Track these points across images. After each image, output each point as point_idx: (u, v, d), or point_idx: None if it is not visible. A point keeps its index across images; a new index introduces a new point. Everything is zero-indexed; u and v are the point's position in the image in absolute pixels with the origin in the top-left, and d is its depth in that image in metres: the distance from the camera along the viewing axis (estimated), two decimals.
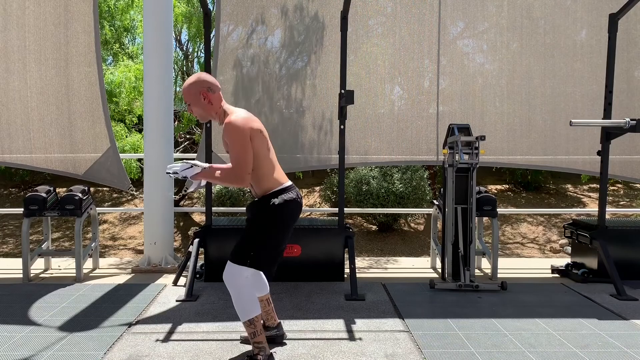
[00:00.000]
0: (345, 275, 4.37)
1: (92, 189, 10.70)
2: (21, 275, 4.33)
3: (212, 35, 4.55)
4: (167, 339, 3.09)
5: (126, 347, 2.96)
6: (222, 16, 4.71)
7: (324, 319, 3.42)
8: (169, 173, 2.68)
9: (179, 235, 9.53)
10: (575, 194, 11.26)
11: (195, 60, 10.86)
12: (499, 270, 4.62)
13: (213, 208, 4.59)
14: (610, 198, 10.94)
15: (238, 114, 2.62)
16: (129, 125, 9.48)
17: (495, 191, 11.25)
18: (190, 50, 10.77)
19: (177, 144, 9.76)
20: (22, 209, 4.37)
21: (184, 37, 10.74)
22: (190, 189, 2.79)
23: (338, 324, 3.34)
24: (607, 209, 4.68)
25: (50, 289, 4.03)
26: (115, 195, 11.36)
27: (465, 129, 4.27)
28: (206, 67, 4.39)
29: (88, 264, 4.80)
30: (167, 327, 3.28)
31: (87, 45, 4.67)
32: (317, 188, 11.14)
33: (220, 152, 4.78)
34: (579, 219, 4.79)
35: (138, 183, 8.21)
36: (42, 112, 4.72)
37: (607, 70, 4.33)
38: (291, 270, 4.29)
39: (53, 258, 4.94)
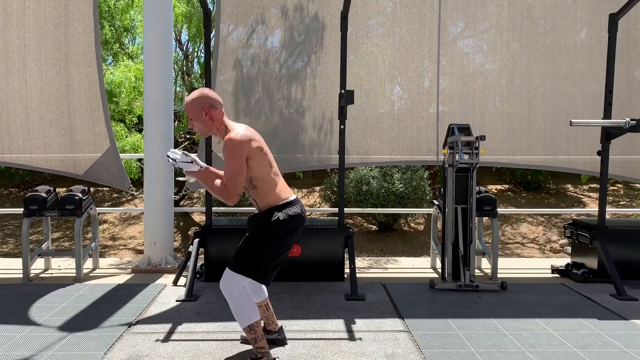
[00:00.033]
0: (345, 275, 4.37)
1: (92, 189, 10.70)
2: (21, 275, 4.33)
3: (212, 35, 4.55)
4: (167, 339, 3.09)
5: (126, 347, 2.96)
6: (222, 16, 4.71)
7: (324, 319, 3.42)
8: (169, 157, 2.67)
9: (179, 235, 9.53)
10: (575, 194, 11.26)
11: (195, 60, 10.87)
12: (499, 270, 4.62)
13: (213, 208, 4.59)
14: (611, 198, 10.94)
15: (238, 132, 2.58)
16: (129, 125, 9.49)
17: (495, 191, 11.25)
18: (190, 50, 10.78)
19: (177, 144, 9.75)
20: (22, 209, 4.37)
21: (184, 37, 10.75)
22: (191, 182, 2.77)
23: (338, 324, 3.34)
24: (607, 209, 4.68)
25: (50, 289, 4.03)
26: (115, 195, 11.36)
27: (465, 129, 4.27)
28: (206, 67, 4.39)
29: (88, 264, 4.80)
30: (167, 327, 3.28)
31: (87, 45, 4.67)
32: (317, 188, 11.14)
33: (220, 152, 4.78)
34: (579, 219, 4.79)
35: (138, 183, 8.20)
36: (42, 112, 4.72)
37: (607, 70, 4.33)
38: (291, 270, 4.29)
39: (53, 258, 4.94)
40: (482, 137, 4.04)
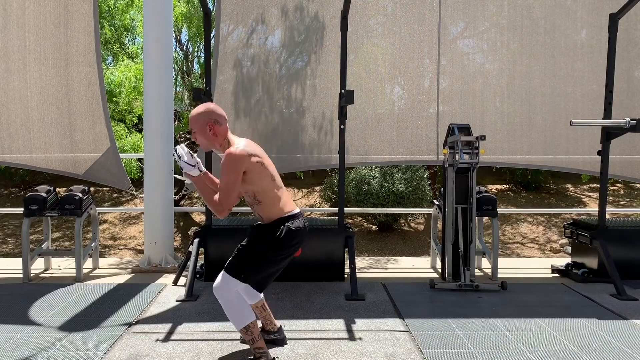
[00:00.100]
0: (346, 275, 4.37)
1: (92, 189, 10.70)
2: (21, 275, 4.32)
3: (212, 35, 4.55)
4: (167, 338, 3.09)
5: (126, 347, 2.96)
6: (222, 16, 4.71)
7: (324, 319, 3.42)
8: (176, 150, 2.68)
9: (179, 235, 9.53)
10: (575, 194, 11.26)
11: (195, 60, 10.87)
12: (499, 270, 4.62)
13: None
14: (611, 198, 10.94)
15: (238, 147, 2.59)
16: (129, 125, 9.48)
17: (496, 191, 11.25)
18: (190, 50, 10.78)
19: (177, 144, 9.74)
20: (22, 209, 4.37)
21: (184, 37, 10.74)
22: (188, 183, 2.78)
23: (338, 324, 3.33)
24: (607, 209, 4.68)
25: (50, 289, 4.03)
26: (115, 195, 11.37)
27: (465, 129, 4.27)
28: (206, 67, 4.40)
29: (88, 263, 4.80)
30: (167, 327, 3.28)
31: (87, 45, 4.67)
32: (317, 188, 11.14)
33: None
34: (579, 219, 4.79)
35: (138, 183, 8.20)
36: (42, 112, 4.72)
37: (608, 70, 4.33)
38: (291, 270, 4.29)
39: (53, 258, 4.94)
40: (482, 137, 4.04)
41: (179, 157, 2.66)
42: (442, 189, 4.46)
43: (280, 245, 2.68)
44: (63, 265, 4.86)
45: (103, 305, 3.66)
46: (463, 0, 4.85)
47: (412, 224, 9.59)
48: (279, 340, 3.03)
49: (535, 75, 4.93)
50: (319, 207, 10.40)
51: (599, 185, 5.16)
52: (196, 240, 4.21)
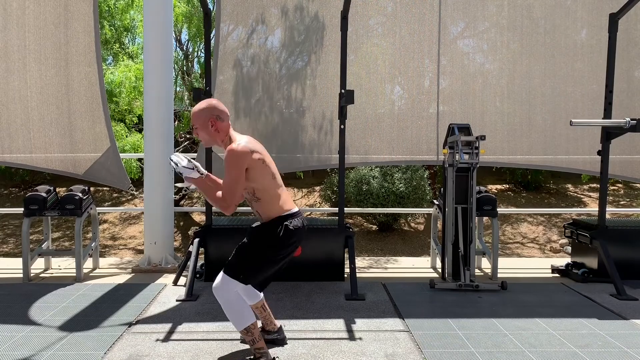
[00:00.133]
0: (346, 275, 4.37)
1: (92, 189, 10.71)
2: (21, 275, 4.33)
3: (212, 35, 4.55)
4: (167, 338, 3.09)
5: (126, 347, 2.96)
6: (222, 16, 4.71)
7: (324, 319, 3.42)
8: (172, 160, 2.67)
9: (179, 235, 9.53)
10: (575, 194, 11.26)
11: (195, 60, 10.87)
12: (499, 270, 4.62)
13: (213, 208, 4.59)
14: (611, 198, 10.94)
15: (240, 143, 2.58)
16: (129, 125, 9.48)
17: (496, 191, 11.25)
18: (190, 50, 10.77)
19: (177, 144, 9.76)
20: (22, 209, 4.37)
21: (184, 37, 10.74)
22: (188, 187, 2.78)
23: (338, 324, 3.33)
24: (607, 209, 4.68)
25: (50, 289, 4.03)
26: (115, 195, 11.37)
27: (465, 129, 4.27)
28: (206, 67, 4.40)
29: (88, 263, 4.80)
30: (167, 326, 3.28)
31: (87, 45, 4.67)
32: (317, 188, 11.14)
33: (220, 152, 4.78)
34: (579, 219, 4.78)
35: (138, 183, 8.20)
36: (42, 112, 4.72)
37: (608, 70, 4.33)
38: (291, 270, 4.29)
39: (53, 258, 4.93)
40: (482, 137, 4.04)
41: (177, 164, 2.66)
42: (442, 189, 4.46)
43: (279, 245, 2.68)
44: (63, 265, 4.86)
45: (103, 305, 3.66)
46: (463, 0, 4.85)
47: (412, 224, 9.59)
48: (279, 340, 3.03)
49: (535, 75, 4.93)
50: (319, 207, 10.40)
51: (599, 185, 5.16)
52: (196, 240, 4.21)
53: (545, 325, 3.34)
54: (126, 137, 8.78)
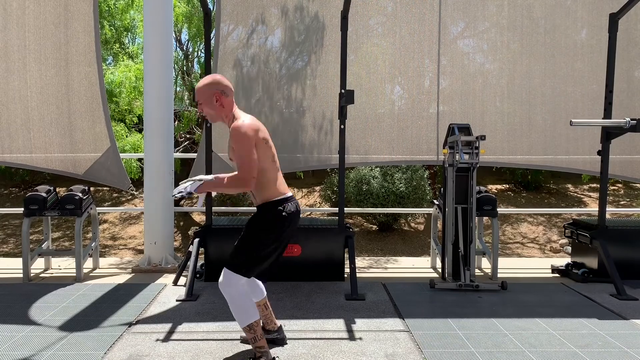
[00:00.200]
0: (346, 275, 4.37)
1: (92, 189, 10.70)
2: (21, 275, 4.33)
3: (212, 35, 4.55)
4: (167, 338, 3.09)
5: (126, 347, 2.96)
6: (222, 16, 4.71)
7: (324, 319, 3.42)
8: (179, 194, 2.69)
9: (179, 235, 9.53)
10: (575, 194, 11.25)
11: (196, 60, 10.86)
12: (499, 270, 4.62)
13: (213, 208, 4.60)
14: (611, 198, 10.94)
15: (244, 120, 2.61)
16: (129, 125, 9.48)
17: (496, 191, 11.25)
18: (190, 50, 10.77)
19: (177, 144, 9.76)
20: (23, 209, 4.37)
21: (184, 37, 10.74)
22: (201, 200, 2.79)
23: (338, 324, 3.33)
24: (607, 209, 4.68)
25: (50, 289, 4.03)
26: (115, 195, 11.37)
27: (465, 129, 4.27)
28: (206, 67, 4.39)
29: (88, 263, 4.80)
30: (167, 326, 3.28)
31: (87, 44, 4.67)
32: (317, 188, 11.14)
33: (220, 152, 4.78)
34: (579, 219, 4.78)
35: (138, 183, 8.21)
36: (42, 112, 4.72)
37: (608, 70, 4.33)
38: (291, 270, 4.29)
39: (53, 258, 4.94)
40: (482, 137, 4.04)
41: (185, 189, 2.67)
42: (442, 189, 4.46)
43: (273, 229, 2.68)
44: (63, 265, 4.86)
45: (103, 305, 3.66)
46: (463, 0, 4.85)
47: (412, 224, 9.59)
48: (278, 340, 3.03)
49: (535, 75, 4.93)
50: (319, 207, 10.40)
51: (599, 185, 5.16)
52: (196, 240, 4.21)
53: (545, 325, 3.34)
54: (126, 137, 8.78)
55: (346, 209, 5.15)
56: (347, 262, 4.29)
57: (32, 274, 4.50)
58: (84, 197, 4.51)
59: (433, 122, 4.93)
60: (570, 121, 4.08)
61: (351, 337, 3.13)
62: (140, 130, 9.37)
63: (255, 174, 2.59)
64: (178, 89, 10.26)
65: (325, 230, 4.31)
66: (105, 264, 4.94)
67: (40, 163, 4.78)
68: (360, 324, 3.35)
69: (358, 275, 4.44)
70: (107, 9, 9.46)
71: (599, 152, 4.41)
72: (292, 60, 4.85)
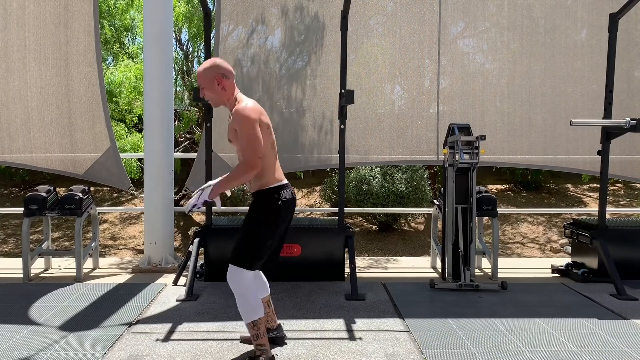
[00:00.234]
0: (346, 275, 4.37)
1: (92, 189, 10.70)
2: (21, 275, 4.33)
3: (212, 35, 4.54)
4: (167, 338, 3.09)
5: (126, 347, 2.96)
6: (222, 16, 4.71)
7: (324, 319, 3.42)
8: (195, 208, 2.69)
9: (179, 235, 9.53)
10: (575, 194, 11.26)
11: (195, 60, 10.86)
12: (499, 270, 4.62)
13: (213, 208, 4.59)
14: (611, 198, 10.94)
15: (247, 103, 2.64)
16: (129, 125, 9.48)
17: (496, 191, 11.25)
18: (191, 50, 10.77)
19: (177, 144, 9.76)
20: (23, 209, 4.37)
21: (184, 37, 10.74)
22: (219, 204, 2.79)
23: (338, 324, 3.33)
24: (607, 209, 4.68)
25: (50, 289, 4.03)
26: (115, 194, 11.37)
27: (465, 129, 4.27)
28: None
29: (88, 263, 4.80)
30: (167, 326, 3.28)
31: (87, 44, 4.67)
32: (317, 188, 11.14)
33: (221, 152, 4.78)
34: (579, 219, 4.78)
35: (138, 183, 8.20)
36: (42, 112, 4.72)
37: (608, 69, 4.33)
38: (291, 270, 4.29)
39: (53, 258, 4.94)
40: (482, 137, 4.04)
41: (198, 199, 2.67)
42: (442, 189, 4.46)
43: (271, 217, 2.69)
44: (63, 265, 4.86)
45: (103, 305, 3.66)
46: (463, 0, 4.85)
47: (412, 224, 9.59)
48: (278, 338, 3.03)
49: (535, 75, 4.93)
50: (319, 207, 10.40)
51: (599, 185, 5.16)
52: (196, 240, 4.21)
53: (545, 325, 3.34)
54: (126, 137, 8.79)
55: (346, 209, 5.15)
56: (347, 262, 4.29)
57: (32, 274, 4.50)
58: (84, 197, 4.51)
59: (433, 122, 4.93)
60: (570, 121, 4.08)
61: (351, 337, 3.13)
62: (140, 130, 9.37)
63: (261, 154, 2.60)
64: (178, 89, 10.26)
65: (325, 230, 4.31)
66: (105, 264, 4.94)
67: (40, 163, 4.78)
68: (360, 324, 3.35)
69: (358, 275, 4.44)
70: (107, 9, 9.46)
71: (599, 152, 4.41)
72: (292, 60, 4.86)
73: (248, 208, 2.81)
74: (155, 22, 4.62)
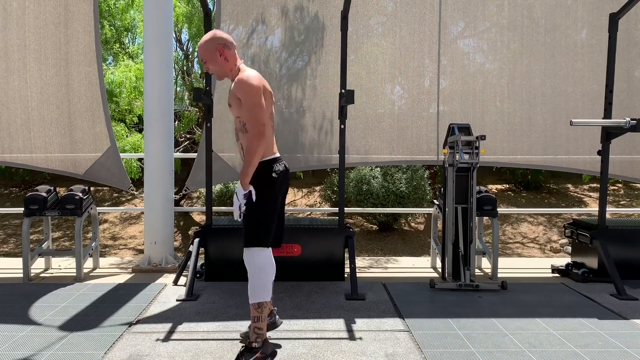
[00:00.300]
0: (346, 275, 4.37)
1: (92, 189, 10.70)
2: (21, 275, 4.33)
3: None
4: (167, 338, 3.09)
5: (126, 347, 2.96)
6: (222, 16, 4.71)
7: (324, 319, 3.42)
8: (240, 214, 2.71)
9: (179, 235, 9.53)
10: (575, 194, 11.26)
11: (195, 60, 10.86)
12: (499, 270, 4.62)
13: (213, 207, 4.59)
14: (611, 198, 10.94)
15: (250, 73, 2.66)
16: (129, 125, 9.49)
17: (496, 191, 11.25)
18: (191, 50, 10.77)
19: (177, 144, 9.76)
20: (23, 209, 4.37)
21: (184, 37, 10.74)
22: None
23: (338, 324, 3.33)
24: (607, 209, 4.68)
25: (50, 289, 4.03)
26: (115, 194, 11.37)
27: (465, 129, 4.27)
28: None
29: (88, 263, 4.80)
30: (167, 326, 3.28)
31: (87, 44, 4.67)
32: (317, 188, 11.14)
33: (221, 152, 4.78)
34: (579, 219, 4.78)
35: (138, 183, 8.20)
36: (43, 112, 4.72)
37: (608, 69, 4.33)
38: (291, 270, 4.29)
39: (53, 258, 4.94)
40: (483, 137, 4.04)
41: (239, 203, 2.69)
42: (442, 189, 4.46)
43: (266, 189, 2.72)
44: (63, 265, 4.86)
45: (103, 305, 3.66)
46: (463, 0, 4.85)
47: (412, 224, 9.59)
48: (271, 324, 3.08)
49: (535, 75, 4.93)
50: (319, 207, 10.40)
51: (599, 185, 5.16)
52: (196, 240, 4.21)
53: (546, 325, 3.34)
54: (126, 137, 8.79)
55: (346, 209, 5.15)
56: (347, 262, 4.29)
57: (32, 274, 4.50)
58: (84, 197, 4.51)
59: (433, 122, 4.93)
60: (571, 121, 4.08)
61: (351, 337, 3.13)
62: (140, 130, 9.38)
63: (266, 121, 2.62)
64: (178, 89, 10.26)
65: (326, 230, 4.31)
66: (105, 263, 4.94)
67: (40, 163, 4.78)
68: (360, 323, 3.35)
69: (358, 275, 4.44)
70: (107, 9, 9.46)
71: (599, 152, 4.41)
72: (292, 60, 4.86)
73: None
74: (155, 22, 4.62)
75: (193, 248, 4.16)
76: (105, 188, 11.49)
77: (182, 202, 10.30)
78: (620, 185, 11.59)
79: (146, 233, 4.82)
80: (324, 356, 2.86)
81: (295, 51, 4.82)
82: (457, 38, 4.98)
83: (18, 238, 9.29)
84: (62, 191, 9.09)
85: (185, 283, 4.01)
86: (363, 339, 3.09)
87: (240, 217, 2.72)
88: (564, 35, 4.90)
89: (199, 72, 10.55)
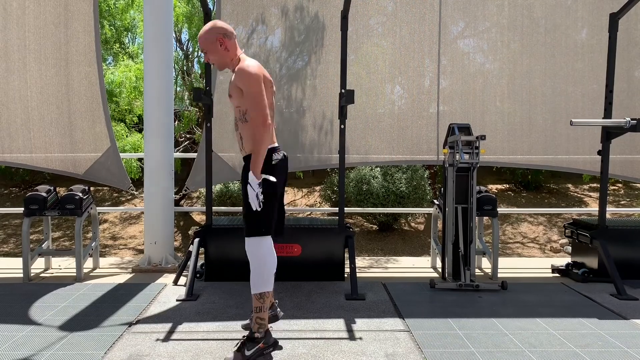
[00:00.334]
0: (346, 275, 4.37)
1: (92, 189, 10.70)
2: (21, 275, 4.33)
3: None
4: (167, 338, 3.09)
5: (126, 347, 2.96)
6: (222, 16, 4.71)
7: (324, 319, 3.42)
8: (258, 202, 2.70)
9: (179, 234, 9.53)
10: (575, 194, 11.26)
11: (195, 60, 10.86)
12: (499, 270, 4.62)
13: (213, 207, 4.59)
14: (611, 198, 10.94)
15: (250, 63, 2.67)
16: (129, 125, 9.49)
17: (496, 191, 11.25)
18: (191, 50, 10.77)
19: (177, 144, 9.76)
20: (23, 209, 4.37)
21: (184, 37, 10.74)
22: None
23: (338, 324, 3.33)
24: (607, 209, 4.68)
25: (50, 289, 4.03)
26: (115, 194, 11.37)
27: (465, 129, 4.27)
28: (206, 67, 4.40)
29: (88, 263, 4.80)
30: (167, 326, 3.28)
31: (87, 44, 4.67)
32: (317, 188, 11.14)
33: (221, 152, 4.78)
34: (579, 219, 4.78)
35: (138, 183, 8.20)
36: (42, 112, 4.72)
37: (608, 69, 4.33)
38: (291, 270, 4.29)
39: (53, 257, 4.94)
40: (483, 137, 4.04)
41: (256, 192, 2.68)
42: (442, 189, 4.46)
43: (269, 175, 2.73)
44: (63, 265, 4.86)
45: (103, 305, 3.66)
46: (463, 0, 4.85)
47: (413, 224, 9.59)
48: (271, 317, 3.08)
49: (535, 75, 4.93)
50: (319, 207, 10.40)
51: (599, 185, 5.16)
52: (196, 240, 4.21)
53: (546, 325, 3.34)
54: (126, 137, 8.79)
55: (346, 209, 5.15)
56: (347, 262, 4.29)
57: (32, 274, 4.50)
58: (84, 197, 4.51)
59: (433, 122, 4.93)
60: (571, 121, 4.08)
61: (351, 337, 3.13)
62: (140, 130, 9.38)
63: (268, 110, 2.63)
64: (178, 89, 10.26)
65: (326, 230, 4.31)
66: (105, 263, 4.94)
67: (40, 163, 4.78)
68: (360, 323, 3.34)
69: (358, 275, 4.44)
70: (107, 8, 9.46)
71: (599, 152, 4.41)
72: (292, 60, 4.85)
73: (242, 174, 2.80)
74: (155, 22, 4.62)
75: (193, 248, 4.16)
76: (105, 188, 11.49)
77: (182, 202, 10.30)
78: (620, 185, 11.59)
79: (146, 233, 4.82)
80: (324, 356, 2.86)
81: (295, 51, 4.82)
82: (457, 38, 4.98)
83: (18, 238, 9.29)
84: (62, 191, 9.09)
85: (185, 283, 4.01)
86: (363, 339, 3.09)
87: (260, 206, 2.71)
88: (564, 35, 4.90)
89: (199, 72, 10.55)
